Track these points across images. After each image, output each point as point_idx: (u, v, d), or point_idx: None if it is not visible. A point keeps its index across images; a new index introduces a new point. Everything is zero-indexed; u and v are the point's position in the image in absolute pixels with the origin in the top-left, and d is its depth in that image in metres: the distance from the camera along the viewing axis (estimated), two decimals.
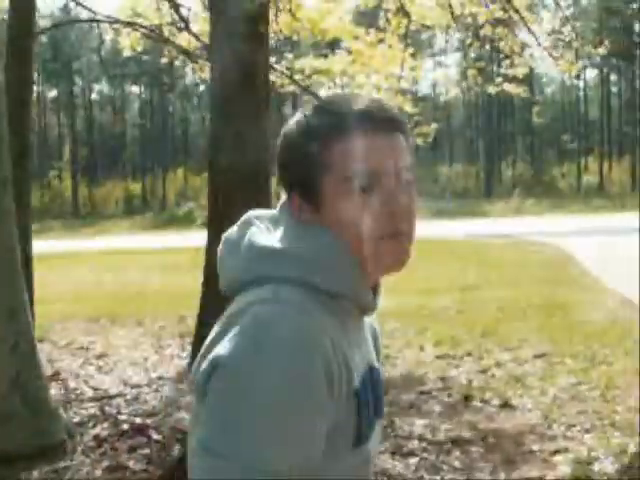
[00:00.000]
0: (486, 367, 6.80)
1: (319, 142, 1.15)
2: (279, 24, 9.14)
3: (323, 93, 9.70)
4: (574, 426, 5.22)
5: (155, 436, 5.00)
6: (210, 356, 1.08)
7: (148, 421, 5.38)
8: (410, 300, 10.22)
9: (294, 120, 1.20)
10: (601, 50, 8.10)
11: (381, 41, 9.08)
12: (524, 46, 7.45)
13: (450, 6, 7.53)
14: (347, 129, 1.14)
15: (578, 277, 12.58)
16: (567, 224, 23.72)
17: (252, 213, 1.24)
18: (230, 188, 4.40)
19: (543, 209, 34.26)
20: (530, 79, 60.74)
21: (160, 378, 6.84)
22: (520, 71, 7.79)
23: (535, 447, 4.82)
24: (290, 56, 9.58)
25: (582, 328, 8.08)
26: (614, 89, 65.02)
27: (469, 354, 7.29)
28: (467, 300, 10.47)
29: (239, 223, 1.23)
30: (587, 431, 5.20)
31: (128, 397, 6.18)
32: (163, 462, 4.54)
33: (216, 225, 4.48)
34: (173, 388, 6.43)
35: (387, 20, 8.88)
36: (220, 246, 1.22)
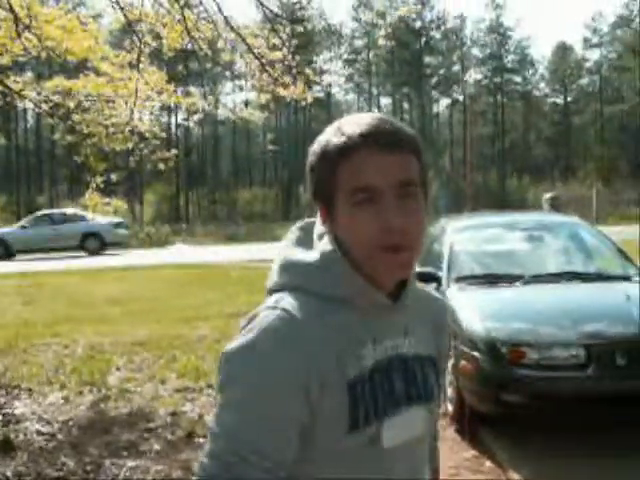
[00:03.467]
0: None
1: (330, 163, 1.28)
2: (23, 42, 8.67)
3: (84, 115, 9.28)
4: None
5: None
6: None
7: None
8: (168, 329, 9.94)
9: (318, 140, 1.32)
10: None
11: (131, 64, 8.83)
12: (261, 71, 7.41)
13: (187, 29, 7.38)
14: (351, 149, 1.26)
15: None
16: None
17: (298, 224, 1.43)
18: None
19: None
20: (328, 105, 62.69)
21: None
22: (263, 97, 7.79)
23: None
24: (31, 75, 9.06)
25: None
26: (406, 117, 68.34)
27: (210, 386, 7.04)
28: (230, 328, 10.31)
29: (289, 232, 1.43)
30: None
31: None
32: None
33: None
34: None
35: (140, 42, 8.63)
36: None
